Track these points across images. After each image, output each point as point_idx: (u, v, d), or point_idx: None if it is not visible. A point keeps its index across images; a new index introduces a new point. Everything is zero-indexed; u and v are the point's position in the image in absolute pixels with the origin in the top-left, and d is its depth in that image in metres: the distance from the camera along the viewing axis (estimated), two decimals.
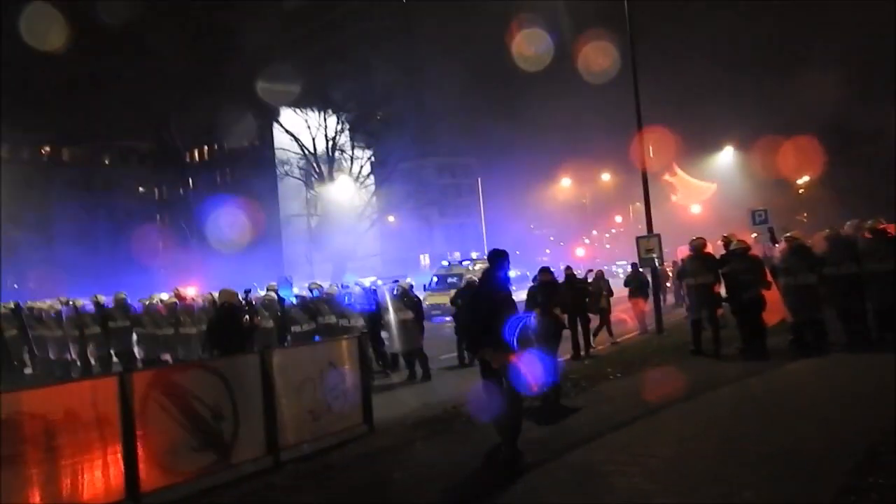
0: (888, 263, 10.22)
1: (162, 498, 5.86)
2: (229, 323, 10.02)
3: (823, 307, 11.20)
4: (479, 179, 50.33)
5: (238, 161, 40.31)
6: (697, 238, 12.49)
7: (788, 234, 12.40)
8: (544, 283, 10.94)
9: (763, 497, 4.94)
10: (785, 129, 43.14)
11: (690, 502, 4.96)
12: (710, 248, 12.56)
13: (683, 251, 13.28)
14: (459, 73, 52.71)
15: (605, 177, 52.83)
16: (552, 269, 11.59)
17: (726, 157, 44.76)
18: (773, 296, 11.57)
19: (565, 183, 57.34)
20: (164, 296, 15.71)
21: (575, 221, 64.01)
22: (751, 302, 11.29)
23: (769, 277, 11.50)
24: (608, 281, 16.67)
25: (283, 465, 6.91)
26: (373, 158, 41.01)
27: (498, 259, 6.85)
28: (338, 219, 38.70)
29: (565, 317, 11.22)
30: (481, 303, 6.85)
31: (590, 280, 16.15)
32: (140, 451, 5.80)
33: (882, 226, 10.98)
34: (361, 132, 40.12)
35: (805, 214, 43.56)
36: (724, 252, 12.26)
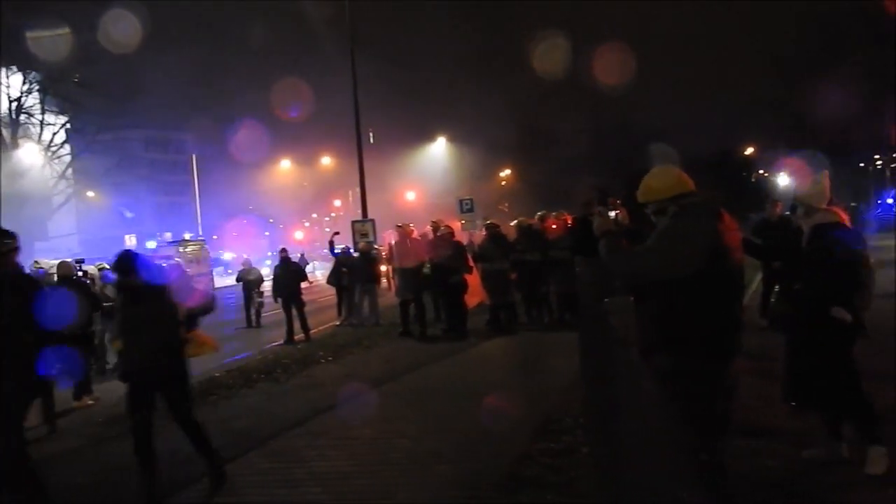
0: (567, 251, 11.55)
1: None
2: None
3: (514, 290, 12.37)
4: (194, 156, 47.74)
5: None
6: (404, 224, 13.14)
7: (488, 223, 13.51)
8: None
9: (457, 468, 5.26)
10: (492, 124, 46.85)
11: (386, 480, 5.16)
12: (416, 234, 13.27)
13: (391, 236, 13.88)
14: (172, 41, 49.35)
15: (326, 161, 53.11)
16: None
17: (439, 148, 47.38)
18: (474, 279, 12.53)
19: (285, 165, 56.64)
20: None
21: (295, 204, 63.58)
22: (454, 285, 12.09)
23: (471, 262, 12.42)
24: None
25: None
26: (68, 126, 36.80)
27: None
28: (24, 193, 34.12)
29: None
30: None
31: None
32: None
33: (563, 217, 12.39)
34: (54, 95, 35.68)
35: (506, 204, 47.68)
36: (431, 237, 12.99)
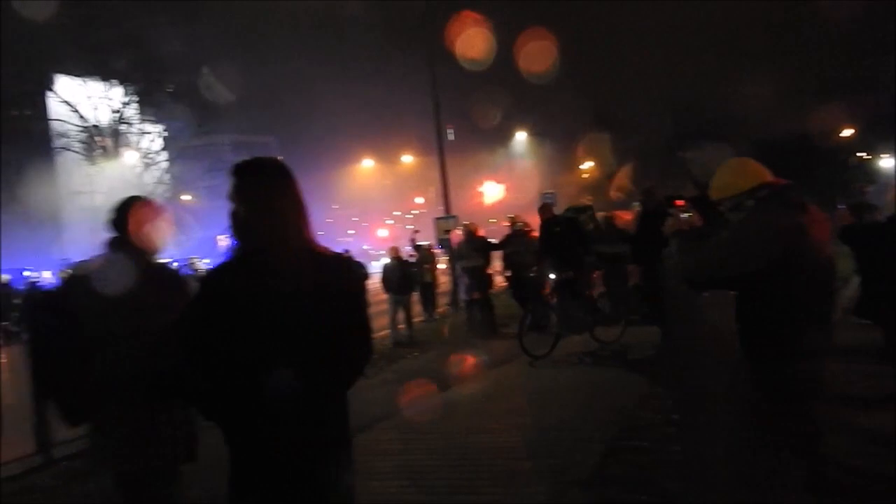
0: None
1: None
2: None
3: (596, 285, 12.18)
4: (280, 158, 48.89)
5: (6, 132, 35.95)
6: (469, 223, 13.23)
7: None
8: None
9: (540, 465, 5.26)
10: (571, 117, 46.35)
11: (469, 475, 5.23)
12: (482, 232, 13.32)
13: (458, 235, 13.94)
14: (257, 48, 50.91)
15: (407, 158, 53.66)
16: None
17: (520, 142, 47.21)
18: None
19: (367, 164, 57.56)
20: None
21: (378, 202, 64.53)
22: (531, 281, 12.03)
23: None
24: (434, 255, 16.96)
25: (55, 464, 6.44)
26: (166, 133, 38.57)
27: None
28: (126, 196, 35.84)
29: None
30: None
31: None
32: None
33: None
34: (151, 105, 37.45)
35: (590, 198, 46.89)
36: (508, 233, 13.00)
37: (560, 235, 10.12)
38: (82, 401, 3.03)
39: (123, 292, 2.95)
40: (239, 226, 2.28)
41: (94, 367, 2.97)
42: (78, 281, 3.23)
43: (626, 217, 13.04)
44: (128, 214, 3.28)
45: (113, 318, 2.92)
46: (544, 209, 10.92)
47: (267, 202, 2.28)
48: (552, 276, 9.95)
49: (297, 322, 2.15)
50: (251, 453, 2.21)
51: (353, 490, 2.38)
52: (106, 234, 3.26)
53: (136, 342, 2.79)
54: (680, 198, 3.66)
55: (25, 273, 21.88)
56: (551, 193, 25.30)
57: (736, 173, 3.49)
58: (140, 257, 3.21)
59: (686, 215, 3.61)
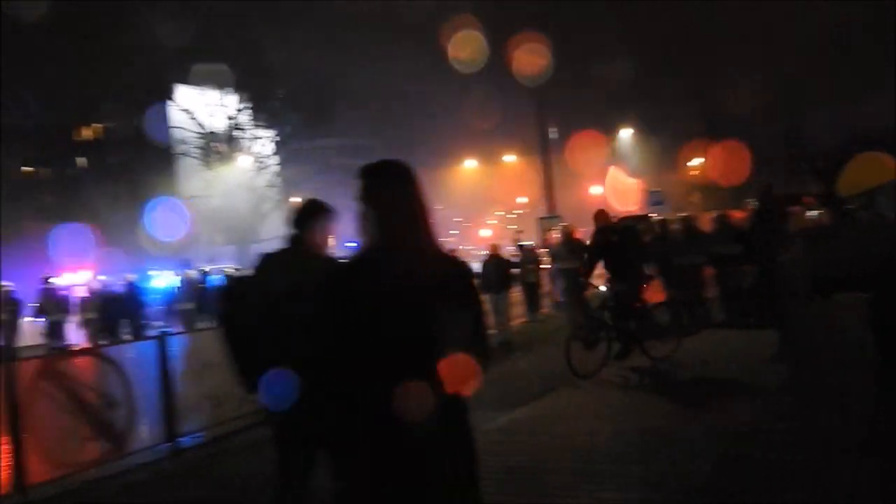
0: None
1: (50, 490, 5.69)
2: None
3: (710, 286, 11.79)
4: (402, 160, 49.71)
5: (131, 139, 38.31)
6: (568, 224, 13.07)
7: (682, 215, 13.05)
8: None
9: (650, 470, 5.16)
10: (678, 114, 45.01)
11: (571, 476, 5.20)
12: (581, 233, 13.08)
13: (555, 237, 13.76)
14: (361, 53, 52.03)
15: (510, 158, 53.60)
16: None
17: (625, 139, 46.28)
18: None
19: (470, 164, 57.90)
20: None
21: (480, 203, 64.67)
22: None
23: None
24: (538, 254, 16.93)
25: (182, 453, 6.82)
26: (278, 138, 40.15)
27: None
28: (239, 200, 37.65)
29: None
30: None
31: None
32: (26, 443, 5.60)
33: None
34: (263, 111, 39.15)
35: (698, 196, 45.37)
36: None
37: (617, 244, 9.51)
38: (259, 372, 3.42)
39: (297, 284, 3.28)
40: (367, 226, 2.37)
41: (268, 345, 3.39)
42: (261, 273, 3.72)
43: (738, 216, 12.58)
44: (306, 215, 3.74)
45: (285, 306, 3.28)
46: (600, 215, 9.93)
47: (394, 203, 2.38)
48: (603, 287, 9.42)
49: (423, 320, 2.22)
50: (374, 448, 2.27)
51: (478, 486, 2.43)
52: (285, 232, 3.73)
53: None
54: (808, 194, 3.49)
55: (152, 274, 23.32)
56: (658, 191, 24.59)
57: (867, 169, 3.30)
58: (314, 253, 3.65)
59: (814, 213, 3.45)
